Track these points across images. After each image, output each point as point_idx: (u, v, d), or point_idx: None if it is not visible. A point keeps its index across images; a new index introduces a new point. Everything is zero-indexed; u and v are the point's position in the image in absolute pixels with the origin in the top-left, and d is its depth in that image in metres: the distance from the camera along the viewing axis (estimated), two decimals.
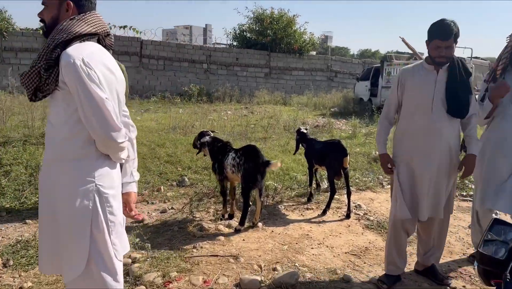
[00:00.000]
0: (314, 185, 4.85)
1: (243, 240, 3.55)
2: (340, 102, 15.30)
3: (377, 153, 3.10)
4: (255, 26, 19.96)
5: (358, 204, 4.64)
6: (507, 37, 3.01)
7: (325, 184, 5.13)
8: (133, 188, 1.94)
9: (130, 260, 2.99)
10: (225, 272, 2.93)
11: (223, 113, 11.87)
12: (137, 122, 9.30)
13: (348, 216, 4.23)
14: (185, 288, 2.70)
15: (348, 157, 4.30)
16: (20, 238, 3.38)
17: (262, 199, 3.91)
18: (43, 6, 1.72)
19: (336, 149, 4.34)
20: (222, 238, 3.53)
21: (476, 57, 13.72)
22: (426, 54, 2.74)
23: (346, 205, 4.36)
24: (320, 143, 4.72)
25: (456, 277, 3.05)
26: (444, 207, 2.76)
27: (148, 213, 4.23)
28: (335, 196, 4.53)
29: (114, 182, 1.75)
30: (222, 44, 21.07)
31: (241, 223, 3.74)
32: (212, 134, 4.37)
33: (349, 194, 4.31)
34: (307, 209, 4.50)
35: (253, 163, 3.72)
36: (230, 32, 20.89)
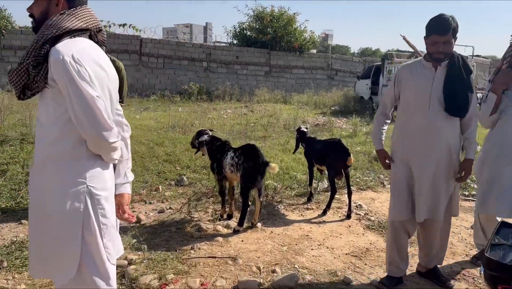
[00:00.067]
0: (314, 185, 4.79)
1: (242, 241, 3.49)
2: (341, 101, 15.22)
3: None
4: (255, 24, 19.87)
5: (359, 204, 4.58)
6: (511, 36, 2.96)
7: (325, 184, 5.07)
8: (127, 189, 1.88)
9: (126, 262, 2.93)
10: (223, 274, 2.87)
11: (222, 112, 11.81)
12: (136, 121, 9.30)
13: (349, 216, 4.17)
14: None
15: (352, 155, 4.25)
16: (15, 239, 3.32)
17: (261, 199, 3.85)
18: (32, 0, 1.66)
19: (336, 148, 4.28)
20: (220, 238, 3.47)
21: (477, 56, 13.67)
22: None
23: (346, 205, 4.30)
24: (320, 142, 4.65)
25: (459, 279, 2.98)
26: (445, 210, 2.69)
27: (146, 213, 4.17)
28: (336, 196, 4.46)
29: (106, 183, 1.69)
30: (222, 42, 20.98)
31: (240, 223, 3.68)
32: (210, 133, 4.31)
33: (350, 194, 4.24)
34: (307, 209, 4.44)
35: (252, 162, 3.66)
36: (230, 30, 20.84)
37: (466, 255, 3.40)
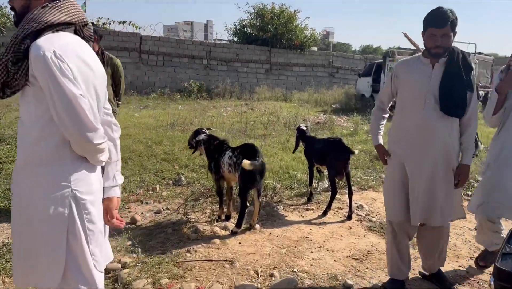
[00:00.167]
0: (314, 184, 4.70)
1: (240, 243, 3.40)
2: (342, 99, 15.09)
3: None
4: (256, 21, 19.73)
5: (360, 204, 4.48)
6: None
7: (326, 183, 4.97)
8: (116, 193, 1.78)
9: (119, 265, 2.84)
10: (219, 279, 2.77)
11: (222, 110, 11.71)
12: (135, 119, 9.21)
13: (349, 217, 4.07)
14: None
15: (356, 151, 4.16)
16: (7, 241, 3.23)
17: (260, 200, 3.76)
18: None
19: (337, 148, 4.19)
20: (217, 241, 3.38)
21: (479, 53, 13.52)
22: None
23: (347, 206, 4.20)
24: (320, 141, 4.55)
25: (463, 283, 2.89)
26: (445, 214, 2.55)
27: (142, 213, 4.08)
28: (336, 196, 4.37)
29: (92, 187, 1.60)
30: (223, 40, 20.85)
31: (238, 225, 3.58)
32: (208, 132, 4.21)
33: (350, 194, 4.14)
34: (307, 209, 4.34)
35: None
36: (231, 28, 20.72)
37: (471, 257, 3.30)
